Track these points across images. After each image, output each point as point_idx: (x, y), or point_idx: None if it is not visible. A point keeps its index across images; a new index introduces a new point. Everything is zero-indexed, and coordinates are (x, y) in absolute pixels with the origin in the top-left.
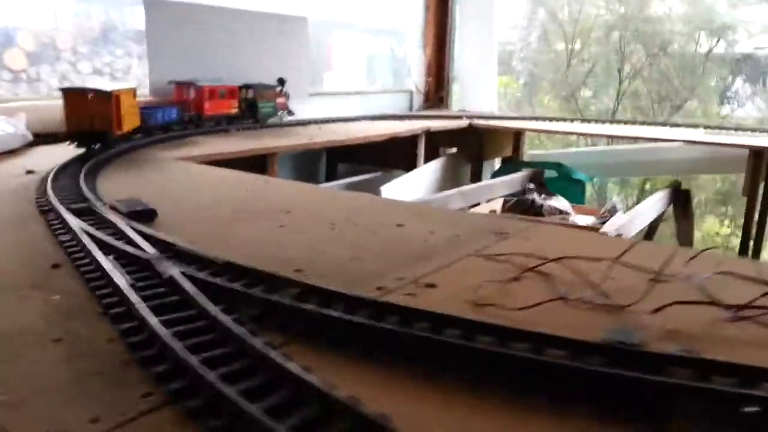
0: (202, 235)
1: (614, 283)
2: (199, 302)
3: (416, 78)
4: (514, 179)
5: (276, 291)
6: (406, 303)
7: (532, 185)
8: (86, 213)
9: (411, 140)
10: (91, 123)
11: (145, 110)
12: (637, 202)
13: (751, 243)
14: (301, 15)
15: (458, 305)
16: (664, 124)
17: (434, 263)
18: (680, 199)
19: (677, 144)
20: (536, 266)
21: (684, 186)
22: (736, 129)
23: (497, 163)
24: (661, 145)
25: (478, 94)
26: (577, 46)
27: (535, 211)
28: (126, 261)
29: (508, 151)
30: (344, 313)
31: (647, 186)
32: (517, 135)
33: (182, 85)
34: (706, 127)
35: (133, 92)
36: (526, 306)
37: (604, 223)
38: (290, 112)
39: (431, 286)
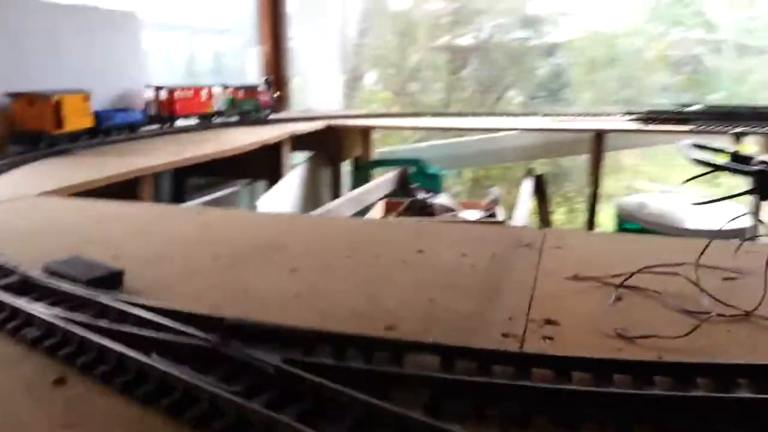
0: (209, 295)
1: (712, 287)
2: (360, 399)
3: (252, 78)
4: (387, 180)
5: (398, 360)
6: (564, 352)
7: (417, 184)
8: (25, 289)
9: (272, 147)
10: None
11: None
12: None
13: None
14: (128, 10)
15: (608, 342)
16: (510, 114)
17: (517, 293)
18: (539, 185)
19: (520, 132)
20: (623, 282)
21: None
22: (574, 115)
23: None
24: (507, 134)
25: (322, 92)
26: (411, 39)
27: (428, 211)
28: (175, 354)
29: (358, 151)
30: (539, 381)
31: (480, 175)
32: (365, 133)
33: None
34: (545, 114)
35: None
36: (682, 334)
37: (492, 215)
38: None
39: (552, 322)
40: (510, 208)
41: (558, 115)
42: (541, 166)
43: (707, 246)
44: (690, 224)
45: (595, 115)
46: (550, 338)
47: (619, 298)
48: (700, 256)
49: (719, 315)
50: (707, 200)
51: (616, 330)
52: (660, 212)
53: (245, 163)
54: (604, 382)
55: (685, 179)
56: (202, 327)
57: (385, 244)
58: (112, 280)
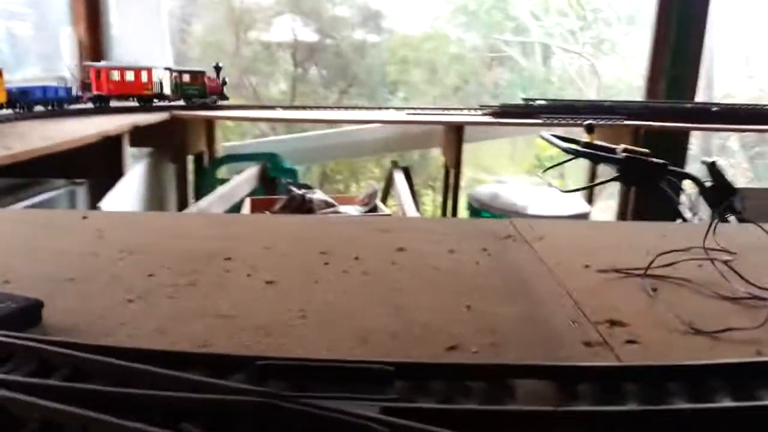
0: (177, 326)
1: (725, 269)
2: None
3: (69, 62)
4: (250, 175)
5: (509, 391)
6: (660, 357)
7: (288, 180)
8: None
9: (105, 142)
10: None
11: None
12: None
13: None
14: None
15: (694, 341)
16: (370, 108)
17: (549, 291)
18: (407, 177)
19: (376, 125)
20: (646, 271)
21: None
22: (428, 108)
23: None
24: (362, 127)
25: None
26: (251, 30)
27: (307, 207)
28: (211, 420)
29: (202, 146)
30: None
31: (330, 169)
32: (209, 126)
33: None
34: (399, 108)
35: None
36: (756, 324)
37: (373, 209)
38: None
39: (617, 323)
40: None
41: (412, 108)
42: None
43: (711, 227)
44: (539, 211)
45: (446, 109)
46: (635, 342)
47: (654, 289)
48: (705, 239)
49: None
50: (577, 188)
51: (690, 326)
52: (511, 201)
53: (73, 161)
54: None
55: (546, 167)
56: (219, 373)
57: (356, 244)
58: (28, 315)
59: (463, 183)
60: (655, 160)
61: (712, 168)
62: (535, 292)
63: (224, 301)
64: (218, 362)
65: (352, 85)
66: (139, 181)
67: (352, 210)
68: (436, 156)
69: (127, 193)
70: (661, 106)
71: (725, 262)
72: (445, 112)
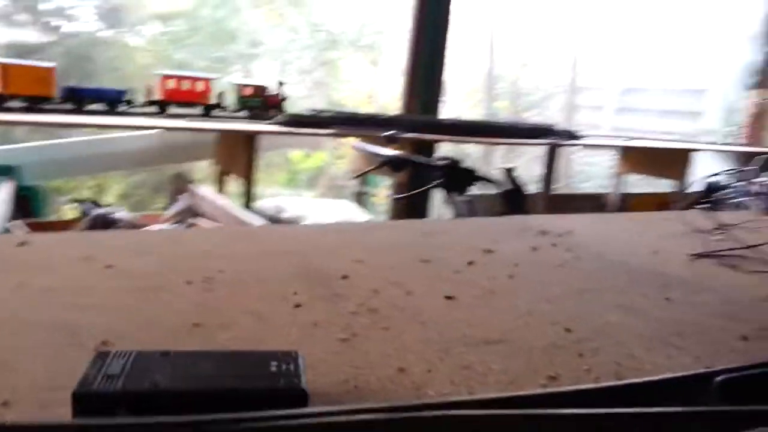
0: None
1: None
2: None
3: None
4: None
5: None
6: None
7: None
8: None
9: None
10: None
11: None
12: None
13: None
14: None
15: None
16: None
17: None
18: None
19: (134, 133)
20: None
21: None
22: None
23: None
24: (114, 136)
25: None
26: None
27: (108, 225)
28: None
29: None
30: None
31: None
32: None
33: None
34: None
35: None
36: None
37: (191, 225)
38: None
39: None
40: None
41: (183, 116)
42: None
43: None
44: (320, 220)
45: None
46: None
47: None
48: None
49: None
50: (405, 194)
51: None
52: (298, 213)
53: None
54: None
55: (357, 174)
56: None
57: (386, 252)
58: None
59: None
60: (469, 166)
61: (509, 173)
62: (657, 291)
63: (303, 341)
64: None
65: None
66: None
67: (158, 227)
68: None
69: None
70: (431, 120)
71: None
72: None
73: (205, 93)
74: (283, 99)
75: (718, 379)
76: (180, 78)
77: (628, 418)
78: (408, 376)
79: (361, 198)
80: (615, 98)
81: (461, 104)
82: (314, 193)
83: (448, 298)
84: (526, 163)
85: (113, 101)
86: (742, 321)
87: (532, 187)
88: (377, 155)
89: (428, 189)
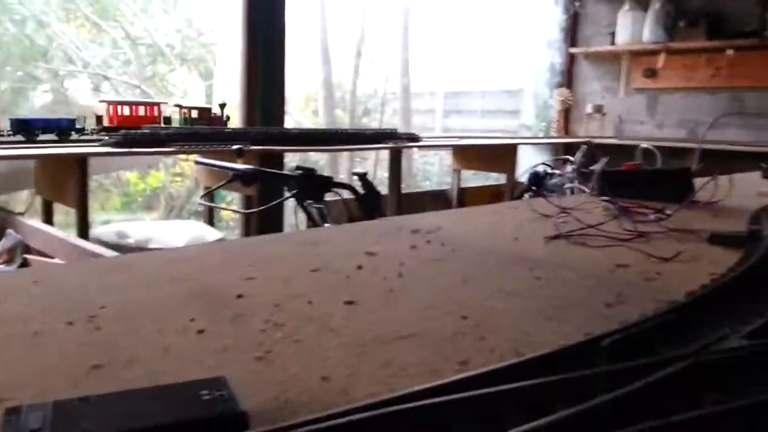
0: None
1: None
2: None
3: None
4: None
5: None
6: None
7: None
8: None
9: None
10: None
11: None
12: None
13: None
14: None
15: None
16: None
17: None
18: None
19: None
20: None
21: None
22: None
23: None
24: None
25: None
26: None
27: None
28: None
29: None
30: None
31: None
32: None
33: None
34: None
35: None
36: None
37: (24, 264)
38: None
39: None
40: None
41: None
42: None
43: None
44: (169, 244)
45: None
46: None
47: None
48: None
49: None
50: (259, 207)
51: None
52: (144, 237)
53: None
54: None
55: (206, 191)
56: None
57: (275, 266)
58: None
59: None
60: (323, 175)
61: (363, 179)
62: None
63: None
64: None
65: None
66: None
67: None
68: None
69: None
70: (277, 132)
71: None
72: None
73: (157, 118)
74: (227, 120)
75: (604, 342)
76: (132, 104)
77: (542, 387)
78: (332, 382)
79: (209, 216)
80: (443, 102)
81: (301, 114)
82: (154, 216)
83: (349, 303)
84: (372, 167)
85: (64, 131)
86: (603, 290)
87: (382, 190)
88: (225, 170)
89: (284, 200)
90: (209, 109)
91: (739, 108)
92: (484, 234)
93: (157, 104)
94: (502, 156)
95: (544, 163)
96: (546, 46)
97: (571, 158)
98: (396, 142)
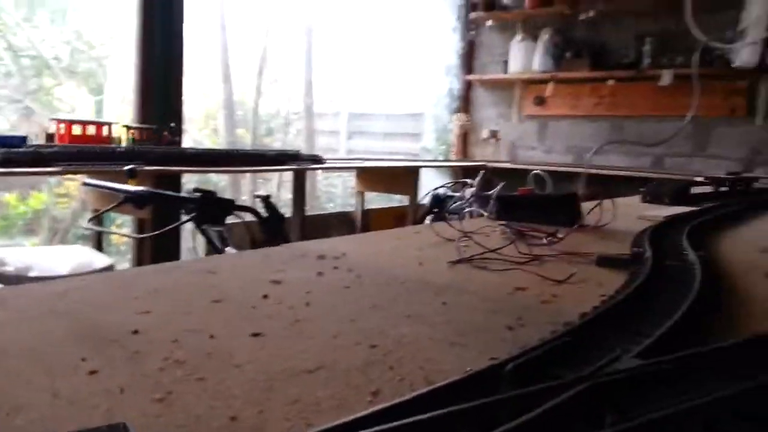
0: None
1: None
2: None
3: None
4: None
5: None
6: None
7: None
8: None
9: None
10: None
11: None
12: None
13: None
14: None
15: None
16: None
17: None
18: None
19: None
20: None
21: None
22: None
23: None
24: None
25: None
26: None
27: None
28: None
29: None
30: None
31: None
32: None
33: None
34: None
35: None
36: None
37: None
38: None
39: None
40: None
41: None
42: None
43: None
44: (60, 272)
45: None
46: None
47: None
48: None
49: None
50: (155, 231)
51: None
52: (23, 264)
53: None
54: None
55: (94, 214)
56: None
57: (172, 298)
58: None
59: None
60: (224, 197)
61: (267, 201)
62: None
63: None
64: None
65: None
66: None
67: None
68: None
69: None
70: (173, 151)
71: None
72: None
73: (108, 137)
74: (177, 140)
75: (507, 367)
76: (84, 123)
77: (451, 417)
78: (242, 422)
79: (97, 240)
80: (346, 123)
81: (200, 133)
82: (36, 240)
83: (255, 335)
84: (275, 189)
85: (14, 147)
86: (503, 314)
87: (286, 212)
88: (116, 191)
89: (181, 224)
90: (161, 129)
91: (620, 135)
92: (389, 259)
93: (108, 124)
94: (404, 178)
95: (444, 186)
96: (445, 72)
97: (470, 181)
98: (300, 163)
